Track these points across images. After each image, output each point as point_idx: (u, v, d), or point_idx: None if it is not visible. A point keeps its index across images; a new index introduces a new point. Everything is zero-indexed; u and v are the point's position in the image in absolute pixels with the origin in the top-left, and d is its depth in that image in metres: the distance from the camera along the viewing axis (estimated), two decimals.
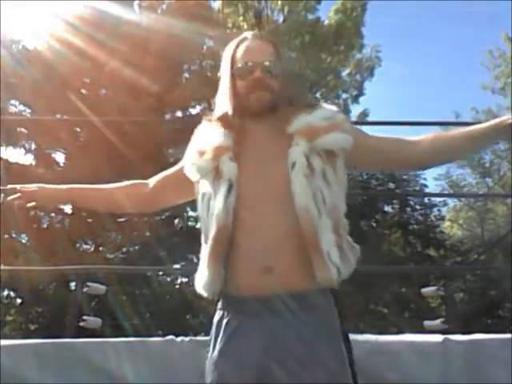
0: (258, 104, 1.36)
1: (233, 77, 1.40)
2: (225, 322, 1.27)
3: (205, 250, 1.31)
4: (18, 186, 1.65)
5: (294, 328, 1.20)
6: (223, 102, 1.42)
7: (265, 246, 1.22)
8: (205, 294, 1.32)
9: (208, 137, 1.40)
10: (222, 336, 1.26)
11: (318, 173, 1.27)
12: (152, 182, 1.64)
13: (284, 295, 1.21)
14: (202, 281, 1.31)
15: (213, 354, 1.27)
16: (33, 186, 1.65)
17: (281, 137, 1.32)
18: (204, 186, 1.36)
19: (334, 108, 1.41)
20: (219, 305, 1.34)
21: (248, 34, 1.46)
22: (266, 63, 1.36)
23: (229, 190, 1.26)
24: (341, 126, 1.34)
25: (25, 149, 11.25)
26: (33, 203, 1.65)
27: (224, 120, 1.39)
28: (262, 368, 1.19)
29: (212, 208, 1.29)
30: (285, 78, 1.40)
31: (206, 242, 1.31)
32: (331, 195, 1.27)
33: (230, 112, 1.38)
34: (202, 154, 1.37)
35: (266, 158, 1.31)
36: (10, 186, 1.63)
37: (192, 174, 1.40)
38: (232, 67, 1.40)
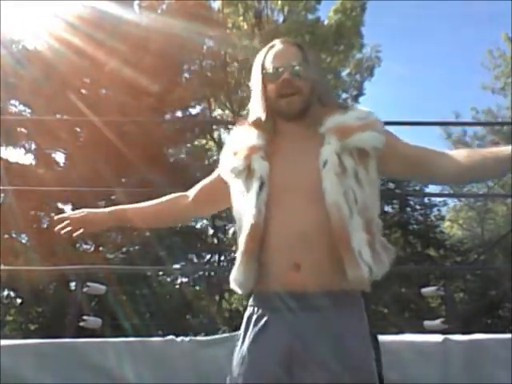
0: (289, 109, 1.38)
1: (264, 82, 1.43)
2: (254, 317, 1.29)
3: (239, 248, 1.33)
4: (65, 214, 1.63)
5: (320, 326, 1.21)
6: (256, 107, 1.44)
7: (294, 243, 1.23)
8: (238, 290, 1.34)
9: (241, 139, 1.43)
10: (251, 332, 1.28)
11: (349, 172, 1.27)
12: (191, 193, 1.62)
13: (312, 293, 1.22)
14: (236, 278, 1.33)
15: (241, 348, 1.29)
16: (80, 212, 1.63)
17: (313, 137, 1.34)
18: (237, 186, 1.39)
19: (367, 109, 1.42)
20: (250, 301, 1.35)
21: (276, 41, 1.51)
22: (294, 66, 1.39)
23: (260, 188, 1.29)
24: (374, 125, 1.34)
25: (25, 149, 11.27)
26: (81, 230, 1.61)
27: (257, 123, 1.42)
28: (285, 365, 1.20)
29: (245, 206, 1.32)
30: (315, 80, 1.41)
31: (240, 240, 1.33)
32: (363, 195, 1.28)
33: (263, 116, 1.41)
34: (235, 154, 1.40)
35: (297, 157, 1.33)
36: (58, 216, 1.60)
37: (226, 175, 1.43)
38: (262, 73, 1.43)
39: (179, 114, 13.38)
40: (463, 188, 18.80)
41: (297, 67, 1.38)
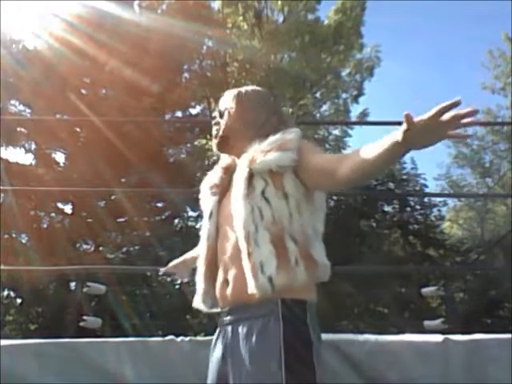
0: (215, 147, 1.65)
1: None
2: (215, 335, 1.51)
3: (198, 269, 1.57)
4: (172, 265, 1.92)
5: (240, 337, 1.35)
6: None
7: (225, 263, 1.44)
8: (202, 308, 1.57)
9: (207, 178, 1.68)
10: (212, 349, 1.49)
11: (256, 192, 1.40)
12: None
13: (236, 306, 1.39)
14: (197, 299, 1.57)
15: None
16: (180, 261, 1.91)
17: (239, 167, 1.53)
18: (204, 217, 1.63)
19: (291, 130, 1.49)
20: None
21: None
22: (215, 112, 1.65)
23: (209, 219, 1.54)
24: (283, 145, 1.43)
25: (25, 149, 11.27)
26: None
27: (222, 165, 1.67)
28: (222, 376, 1.38)
29: (201, 232, 1.58)
30: (238, 113, 1.59)
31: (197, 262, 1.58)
32: (270, 210, 1.38)
33: (221, 157, 1.69)
34: (202, 190, 1.66)
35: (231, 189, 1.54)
36: (165, 270, 1.94)
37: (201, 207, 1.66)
38: None
39: (179, 114, 13.39)
40: (463, 188, 18.82)
41: (214, 118, 1.64)
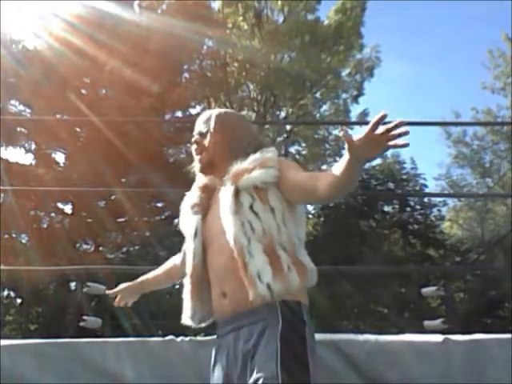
0: (199, 168, 1.67)
1: None
2: (215, 346, 1.56)
3: (184, 287, 1.62)
4: (122, 288, 1.94)
5: (243, 342, 1.41)
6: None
7: (220, 277, 1.51)
8: (191, 323, 1.61)
9: (188, 197, 1.72)
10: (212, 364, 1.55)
11: (245, 207, 1.47)
12: (179, 258, 1.82)
13: (236, 315, 1.45)
14: (186, 316, 1.61)
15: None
16: (134, 284, 1.94)
17: (223, 185, 1.58)
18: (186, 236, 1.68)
19: (269, 149, 1.60)
20: None
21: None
22: (197, 130, 1.69)
23: (194, 237, 1.58)
24: (264, 163, 1.53)
25: (25, 149, 11.26)
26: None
27: (201, 185, 1.71)
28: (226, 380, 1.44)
29: (187, 250, 1.63)
30: (221, 133, 1.64)
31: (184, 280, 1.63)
32: (260, 223, 1.46)
33: (197, 176, 1.73)
34: (182, 210, 1.71)
35: (215, 206, 1.58)
36: (111, 292, 1.94)
37: (181, 228, 1.71)
38: None
39: (179, 114, 13.38)
40: (463, 188, 18.82)
41: (195, 136, 1.68)
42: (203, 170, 1.67)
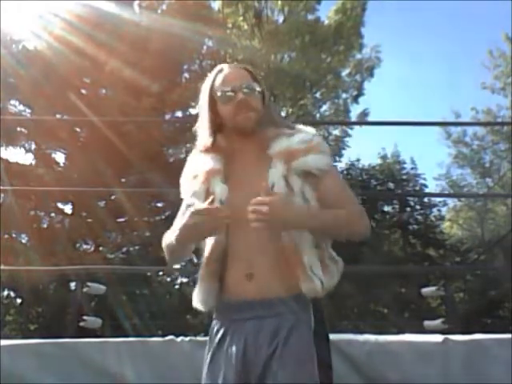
0: (246, 124, 1.45)
1: (212, 106, 1.50)
2: (215, 331, 1.40)
3: (201, 267, 1.44)
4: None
5: (268, 333, 1.29)
6: (205, 130, 1.52)
7: (249, 256, 1.35)
8: (201, 307, 1.46)
9: (199, 162, 1.51)
10: (212, 345, 1.39)
11: (297, 192, 1.37)
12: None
13: (262, 301, 1.32)
14: (198, 296, 1.46)
15: (206, 359, 1.40)
16: None
17: (262, 158, 1.43)
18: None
19: (312, 131, 1.51)
20: (213, 315, 1.46)
21: (223, 65, 1.59)
22: (245, 86, 1.47)
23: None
24: (317, 148, 1.43)
25: (25, 149, 11.24)
26: None
27: (212, 146, 1.50)
28: (239, 374, 1.30)
29: None
30: (265, 99, 1.51)
31: (202, 259, 1.44)
32: None
33: (209, 141, 1.49)
34: (194, 177, 1.49)
35: (250, 179, 1.41)
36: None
37: (187, 198, 1.50)
38: (211, 97, 1.51)
39: (179, 114, 13.37)
40: (463, 188, 18.82)
41: (248, 87, 1.47)
42: (248, 132, 1.46)
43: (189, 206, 1.44)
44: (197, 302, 1.46)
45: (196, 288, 1.46)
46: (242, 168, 1.45)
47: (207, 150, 1.50)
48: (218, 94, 1.48)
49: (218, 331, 1.38)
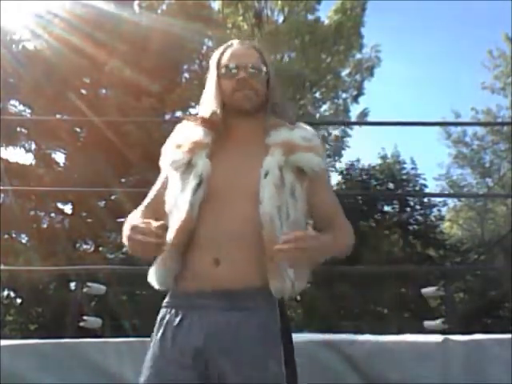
0: (242, 102, 1.40)
1: (218, 79, 1.44)
2: (167, 318, 1.30)
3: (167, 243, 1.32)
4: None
5: (231, 327, 1.21)
6: (208, 103, 1.45)
7: (219, 241, 1.25)
8: (157, 285, 1.34)
9: (188, 133, 1.44)
10: (163, 333, 1.28)
11: (287, 187, 1.31)
12: (145, 207, 1.53)
13: (227, 291, 1.23)
14: (157, 272, 1.33)
15: (151, 350, 1.29)
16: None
17: (259, 144, 1.37)
18: (174, 179, 1.40)
19: (312, 130, 1.46)
20: (164, 301, 1.35)
21: (234, 41, 1.52)
22: (251, 65, 1.41)
23: (198, 185, 1.30)
24: (317, 149, 1.40)
25: (25, 149, 11.25)
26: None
27: (206, 119, 1.43)
28: (198, 365, 1.20)
29: (179, 201, 1.32)
30: (271, 84, 1.45)
31: (168, 234, 1.30)
32: (296, 211, 1.32)
33: (216, 111, 1.41)
34: (178, 147, 1.41)
35: (240, 160, 1.35)
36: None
37: (166, 167, 1.45)
38: (218, 70, 1.45)
39: (179, 113, 13.38)
40: (463, 188, 18.83)
41: (252, 67, 1.41)
42: (246, 110, 1.40)
43: (165, 178, 1.42)
44: (153, 279, 1.34)
45: (154, 264, 1.34)
46: (233, 148, 1.38)
47: (200, 123, 1.43)
48: (223, 69, 1.44)
49: (170, 320, 1.28)
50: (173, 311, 1.29)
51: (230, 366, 1.19)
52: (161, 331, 1.29)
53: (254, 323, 1.22)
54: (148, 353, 1.30)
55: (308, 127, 1.47)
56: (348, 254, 1.42)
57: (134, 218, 1.40)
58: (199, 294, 1.25)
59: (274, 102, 1.45)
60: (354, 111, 16.51)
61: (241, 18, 15.42)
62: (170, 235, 1.29)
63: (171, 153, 1.43)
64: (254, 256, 1.24)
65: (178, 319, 1.26)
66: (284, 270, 1.24)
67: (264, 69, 1.44)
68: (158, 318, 1.33)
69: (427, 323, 2.71)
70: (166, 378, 1.23)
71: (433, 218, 13.88)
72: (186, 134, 1.44)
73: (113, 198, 10.55)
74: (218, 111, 1.41)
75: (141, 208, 1.51)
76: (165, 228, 1.26)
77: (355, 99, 16.45)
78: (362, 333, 2.06)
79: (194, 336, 1.22)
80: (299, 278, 1.28)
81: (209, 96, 1.46)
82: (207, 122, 1.42)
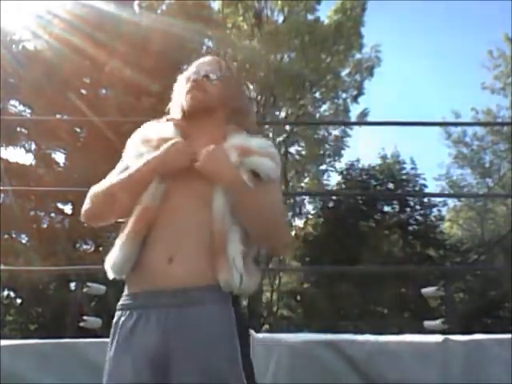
0: (191, 102, 1.46)
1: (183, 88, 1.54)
2: (122, 320, 1.29)
3: (124, 231, 1.34)
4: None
5: (187, 323, 1.22)
6: (174, 108, 1.56)
7: (173, 238, 1.28)
8: (111, 274, 1.35)
9: (156, 129, 1.48)
10: (119, 335, 1.28)
11: None
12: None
13: (180, 289, 1.24)
14: (112, 259, 1.35)
15: (109, 354, 1.29)
16: None
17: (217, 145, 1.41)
18: None
19: (270, 142, 1.51)
20: (118, 304, 1.34)
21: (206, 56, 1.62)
22: (205, 71, 1.50)
23: (161, 181, 1.33)
24: (274, 157, 1.42)
25: (25, 149, 11.25)
26: None
27: (172, 119, 1.51)
28: (156, 366, 1.21)
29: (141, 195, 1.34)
30: (229, 89, 1.50)
31: (128, 223, 1.33)
32: None
33: (178, 114, 1.51)
34: (145, 141, 1.44)
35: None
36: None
37: (129, 158, 1.45)
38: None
39: None
40: (463, 188, 18.83)
41: (207, 71, 1.49)
42: (194, 111, 1.45)
43: (126, 168, 1.42)
44: (109, 264, 1.35)
45: (114, 248, 1.35)
46: (195, 148, 1.39)
47: (169, 122, 1.48)
48: (185, 76, 1.54)
49: (125, 322, 1.27)
50: (127, 313, 1.29)
51: (186, 362, 1.19)
52: (117, 334, 1.29)
53: (208, 319, 1.23)
54: (107, 356, 1.30)
55: (264, 139, 1.51)
56: (283, 250, 1.44)
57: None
58: (154, 292, 1.26)
59: (233, 108, 1.49)
60: (354, 111, 16.54)
61: (241, 18, 15.43)
62: (129, 223, 1.32)
63: (138, 146, 1.45)
64: (206, 253, 1.27)
65: (132, 320, 1.26)
66: (233, 262, 1.25)
67: (218, 73, 1.50)
68: (114, 322, 1.32)
69: (427, 323, 2.71)
70: (124, 378, 1.23)
71: (433, 218, 13.89)
72: (154, 130, 1.47)
73: None
74: (180, 114, 1.50)
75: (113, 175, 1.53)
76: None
77: (355, 99, 16.46)
78: (362, 333, 2.06)
79: (151, 334, 1.22)
80: (248, 273, 1.29)
81: (174, 102, 1.57)
82: (176, 124, 1.47)
